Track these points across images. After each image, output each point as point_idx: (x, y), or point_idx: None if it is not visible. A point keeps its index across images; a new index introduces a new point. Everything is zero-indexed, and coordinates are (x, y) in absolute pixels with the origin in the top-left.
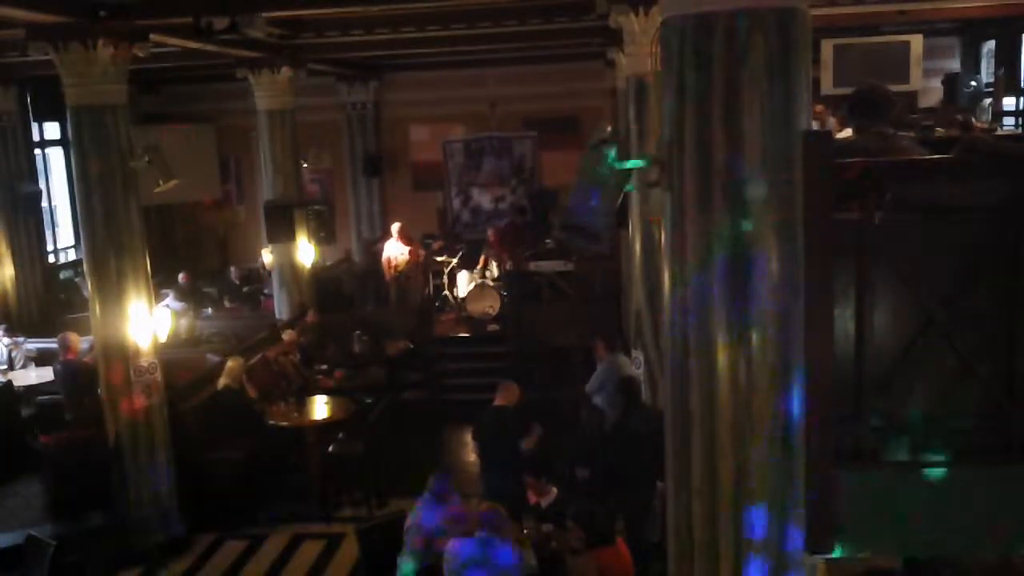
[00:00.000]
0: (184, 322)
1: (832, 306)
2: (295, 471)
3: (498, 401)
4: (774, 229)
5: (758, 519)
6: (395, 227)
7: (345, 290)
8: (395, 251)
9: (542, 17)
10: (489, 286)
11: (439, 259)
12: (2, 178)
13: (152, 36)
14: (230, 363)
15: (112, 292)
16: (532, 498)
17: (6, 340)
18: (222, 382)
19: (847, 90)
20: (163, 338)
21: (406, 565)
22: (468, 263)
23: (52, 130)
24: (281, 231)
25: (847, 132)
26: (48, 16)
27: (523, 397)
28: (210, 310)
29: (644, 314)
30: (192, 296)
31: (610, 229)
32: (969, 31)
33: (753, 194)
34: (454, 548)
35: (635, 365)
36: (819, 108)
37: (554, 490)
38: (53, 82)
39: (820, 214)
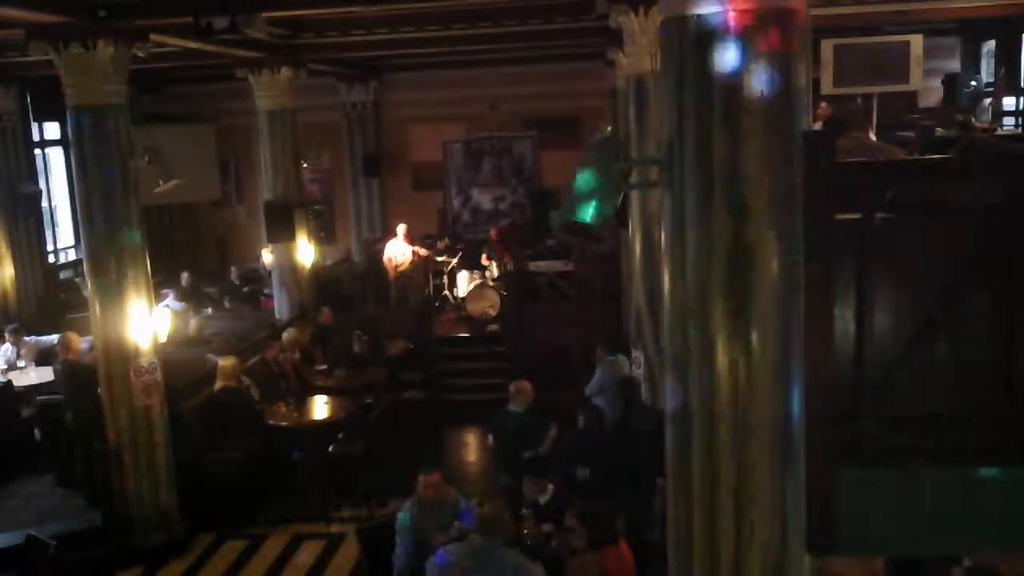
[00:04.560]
0: (194, 322)
1: (832, 306)
2: (295, 471)
3: (511, 405)
4: (774, 229)
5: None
6: (401, 228)
7: (345, 290)
8: (397, 251)
9: (542, 17)
10: (489, 286)
11: (439, 259)
12: (2, 178)
13: (152, 36)
14: (222, 363)
15: (112, 292)
16: (528, 494)
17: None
18: (219, 383)
19: (847, 90)
20: (163, 338)
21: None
22: (468, 263)
23: (52, 130)
24: (281, 231)
25: None
26: (48, 16)
27: (536, 399)
28: (210, 310)
29: (644, 314)
30: (192, 296)
31: (610, 229)
32: (969, 31)
33: (753, 194)
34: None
35: (635, 365)
36: (823, 111)
37: (549, 486)
38: (53, 82)
39: (820, 214)
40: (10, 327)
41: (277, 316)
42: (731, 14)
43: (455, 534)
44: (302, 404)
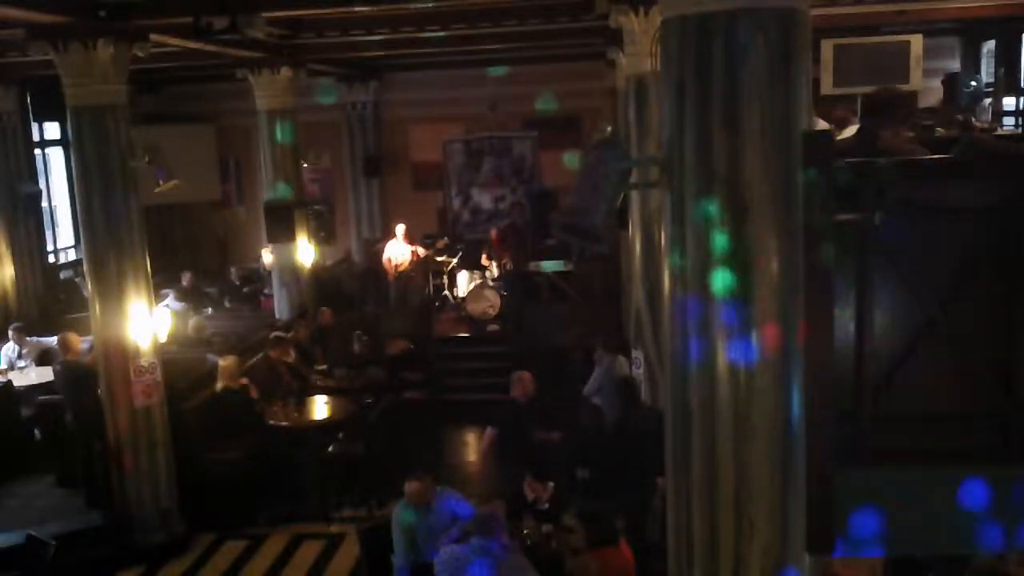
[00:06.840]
0: (194, 322)
1: (832, 306)
2: (295, 471)
3: (513, 393)
4: (774, 229)
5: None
6: (400, 228)
7: (345, 290)
8: (397, 251)
9: (542, 17)
10: (489, 286)
11: (439, 259)
12: (2, 178)
13: (152, 36)
14: (222, 363)
15: (112, 292)
16: (529, 494)
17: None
18: (220, 384)
19: (847, 90)
20: (163, 338)
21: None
22: (468, 263)
23: (52, 130)
24: (281, 231)
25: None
26: (48, 16)
27: (536, 389)
28: (210, 310)
29: (644, 314)
30: (192, 296)
31: (610, 229)
32: (969, 31)
33: (753, 194)
34: (446, 554)
35: (635, 365)
36: (840, 113)
37: (551, 486)
38: (53, 82)
39: (820, 215)
40: (14, 325)
41: (277, 316)
42: (731, 14)
43: (455, 534)
44: (302, 404)
